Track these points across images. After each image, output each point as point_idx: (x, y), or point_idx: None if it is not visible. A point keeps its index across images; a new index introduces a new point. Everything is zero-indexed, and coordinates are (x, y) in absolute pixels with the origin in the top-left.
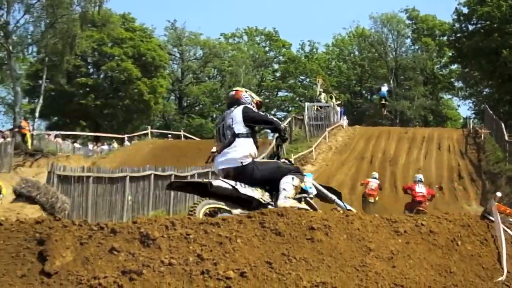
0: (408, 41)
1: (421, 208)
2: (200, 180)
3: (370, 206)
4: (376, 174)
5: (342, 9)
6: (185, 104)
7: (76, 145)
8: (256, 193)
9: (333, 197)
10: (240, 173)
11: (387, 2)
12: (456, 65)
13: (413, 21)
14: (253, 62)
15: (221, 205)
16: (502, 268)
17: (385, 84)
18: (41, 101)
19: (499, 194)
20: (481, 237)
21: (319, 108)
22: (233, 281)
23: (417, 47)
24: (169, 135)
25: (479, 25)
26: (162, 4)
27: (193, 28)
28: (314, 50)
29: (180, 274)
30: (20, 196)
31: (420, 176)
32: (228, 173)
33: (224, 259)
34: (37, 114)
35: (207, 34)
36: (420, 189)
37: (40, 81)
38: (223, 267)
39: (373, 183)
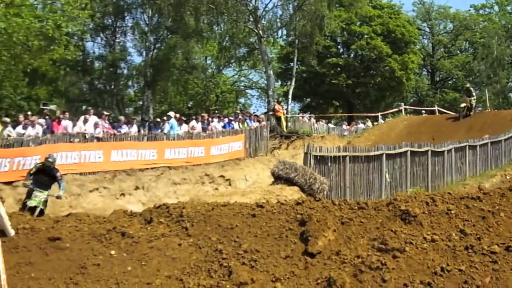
0: None
1: None
2: None
3: None
4: None
5: None
6: (437, 78)
7: (330, 125)
8: None
9: None
10: None
11: None
12: None
13: None
14: (505, 32)
15: None
16: None
17: None
18: (293, 83)
19: None
20: None
21: None
22: (499, 256)
23: None
24: (423, 111)
25: None
26: None
27: (441, 1)
28: None
29: (444, 250)
30: (278, 178)
31: None
32: None
33: (488, 234)
34: (290, 97)
35: (456, 7)
36: None
37: (291, 64)
38: (487, 241)
39: None
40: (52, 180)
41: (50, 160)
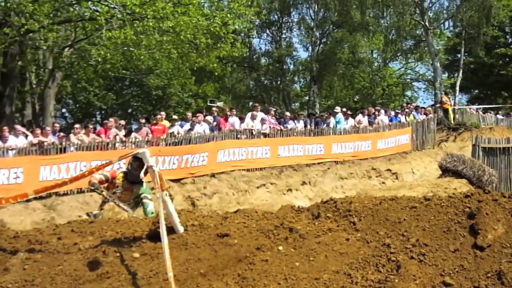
0: None
1: None
2: None
3: None
4: None
5: None
6: None
7: (499, 116)
8: None
9: None
10: None
11: None
12: None
13: None
14: None
15: None
16: None
17: None
18: (460, 75)
19: None
20: None
21: None
22: None
23: None
24: None
25: None
26: None
27: None
28: None
29: None
30: (446, 171)
31: None
32: None
33: None
34: (457, 88)
35: None
36: None
37: (458, 55)
38: None
39: None
40: None
41: None
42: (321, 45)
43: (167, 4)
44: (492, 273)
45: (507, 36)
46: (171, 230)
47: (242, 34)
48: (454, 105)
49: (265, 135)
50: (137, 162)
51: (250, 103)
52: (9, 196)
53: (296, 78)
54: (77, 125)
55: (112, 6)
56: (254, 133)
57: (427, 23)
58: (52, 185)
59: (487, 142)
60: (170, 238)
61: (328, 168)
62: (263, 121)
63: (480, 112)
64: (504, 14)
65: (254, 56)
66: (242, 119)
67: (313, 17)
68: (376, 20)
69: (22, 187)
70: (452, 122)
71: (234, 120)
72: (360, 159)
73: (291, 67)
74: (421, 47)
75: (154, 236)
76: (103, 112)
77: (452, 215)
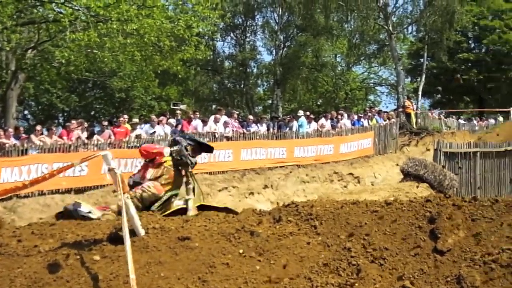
0: None
1: None
2: None
3: None
4: None
5: None
6: None
7: (461, 121)
8: None
9: None
10: None
11: None
12: None
13: None
14: None
15: None
16: None
17: None
18: (423, 79)
19: None
20: None
21: None
22: None
23: None
24: None
25: None
26: None
27: None
28: None
29: None
30: (407, 175)
31: None
32: None
33: None
34: (420, 93)
35: None
36: None
37: (421, 60)
38: None
39: None
40: None
41: None
42: (285, 49)
43: (131, 7)
44: (451, 278)
45: (470, 41)
46: (132, 233)
47: (206, 37)
48: (417, 110)
49: (227, 138)
50: (193, 146)
51: (214, 106)
52: None
53: (259, 82)
54: (38, 127)
55: (76, 8)
56: (217, 136)
57: (390, 28)
58: (12, 188)
59: (449, 146)
60: (131, 241)
61: (290, 172)
62: (226, 124)
63: (442, 117)
64: (467, 19)
65: (218, 59)
66: (205, 122)
67: (277, 21)
68: (340, 24)
69: None
70: (414, 126)
71: (197, 123)
72: (322, 163)
73: (255, 70)
74: (385, 52)
75: (115, 239)
76: (65, 114)
77: (413, 219)
